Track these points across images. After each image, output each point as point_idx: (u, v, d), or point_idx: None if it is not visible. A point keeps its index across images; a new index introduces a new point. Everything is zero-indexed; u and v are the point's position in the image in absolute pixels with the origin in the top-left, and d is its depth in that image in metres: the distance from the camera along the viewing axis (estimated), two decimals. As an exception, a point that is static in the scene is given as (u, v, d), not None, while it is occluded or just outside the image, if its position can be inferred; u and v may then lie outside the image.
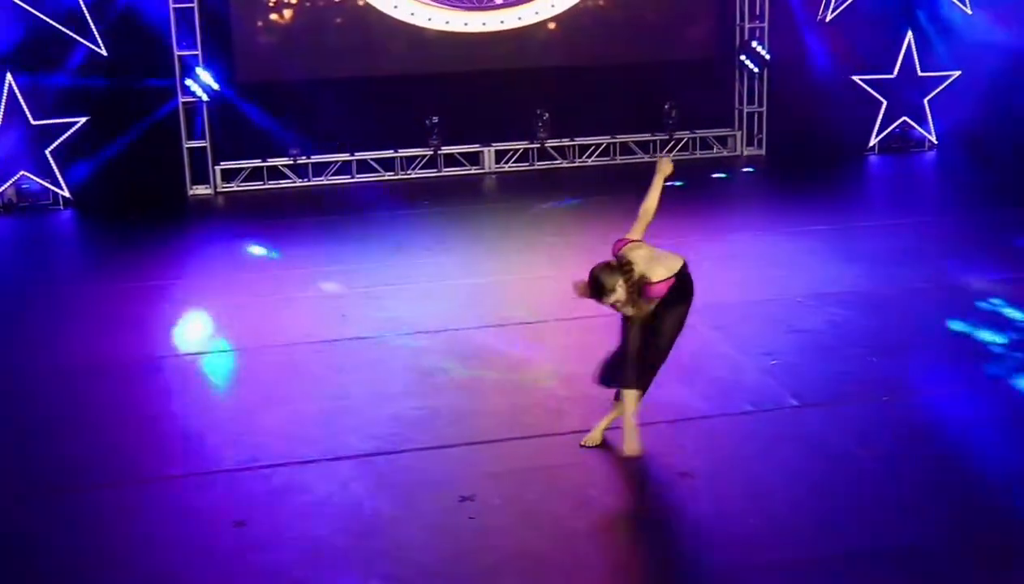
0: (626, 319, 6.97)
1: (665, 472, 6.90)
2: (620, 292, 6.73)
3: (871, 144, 16.42)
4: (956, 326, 9.26)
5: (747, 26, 16.10)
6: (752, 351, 8.80)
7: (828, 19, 15.96)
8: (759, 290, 10.32)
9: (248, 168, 15.04)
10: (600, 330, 9.26)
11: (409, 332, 9.39)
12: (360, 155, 15.25)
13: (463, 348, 9.02)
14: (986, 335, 9.03)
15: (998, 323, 9.30)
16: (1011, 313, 9.52)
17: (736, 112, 16.59)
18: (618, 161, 16.14)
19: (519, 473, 6.88)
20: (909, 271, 10.77)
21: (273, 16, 14.92)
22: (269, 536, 6.25)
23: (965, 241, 11.85)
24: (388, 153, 15.37)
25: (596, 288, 6.80)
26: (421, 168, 15.48)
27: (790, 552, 6.01)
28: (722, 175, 15.58)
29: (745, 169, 15.93)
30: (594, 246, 11.70)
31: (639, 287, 6.72)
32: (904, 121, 16.45)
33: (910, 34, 16.15)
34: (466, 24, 15.12)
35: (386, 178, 15.36)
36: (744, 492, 6.63)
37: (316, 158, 15.13)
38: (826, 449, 7.15)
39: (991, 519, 6.32)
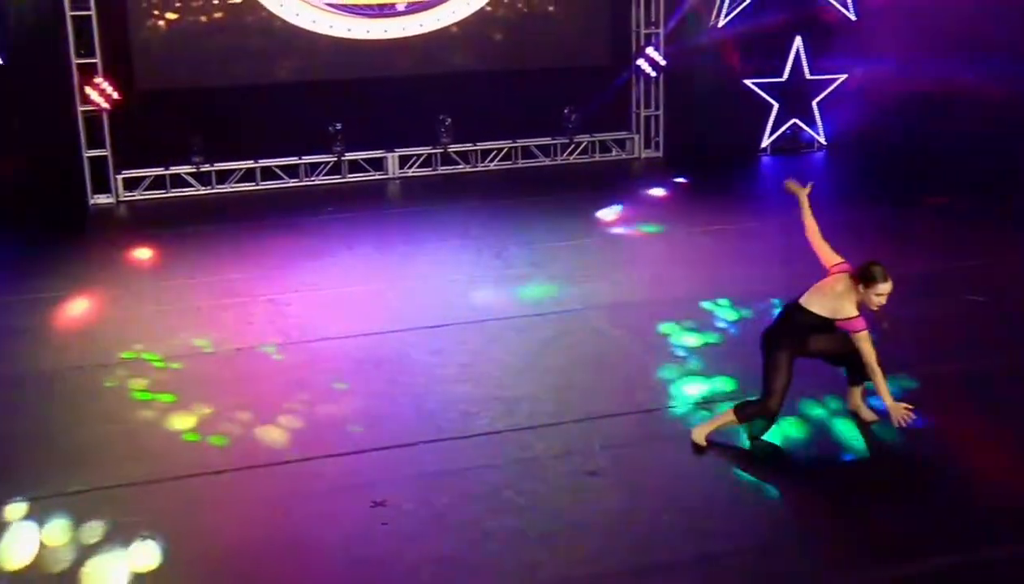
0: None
1: (575, 472, 6.84)
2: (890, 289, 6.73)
3: (764, 145, 16.64)
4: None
5: (643, 32, 16.19)
6: (659, 349, 8.81)
7: (720, 25, 16.13)
8: (663, 289, 10.35)
9: (150, 176, 14.63)
10: (507, 332, 9.30)
11: (318, 338, 9.22)
12: (264, 162, 14.97)
13: (373, 352, 8.89)
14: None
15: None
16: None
17: (634, 116, 16.67)
18: (520, 165, 16.11)
19: (432, 476, 6.80)
20: (811, 269, 10.87)
21: (174, 23, 14.54)
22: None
23: (858, 237, 12.03)
24: (292, 160, 15.11)
25: (877, 275, 6.69)
26: (325, 174, 15.25)
27: (702, 547, 6.01)
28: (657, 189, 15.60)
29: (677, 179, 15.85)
30: (498, 249, 11.78)
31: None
32: (795, 123, 16.69)
33: (798, 39, 16.40)
34: (368, 31, 14.95)
35: (290, 185, 15.09)
36: (656, 490, 6.63)
37: (220, 165, 14.79)
38: (735, 443, 7.17)
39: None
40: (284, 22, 14.60)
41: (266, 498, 6.61)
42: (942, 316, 9.49)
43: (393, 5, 15.00)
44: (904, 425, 6.68)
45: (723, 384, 8.04)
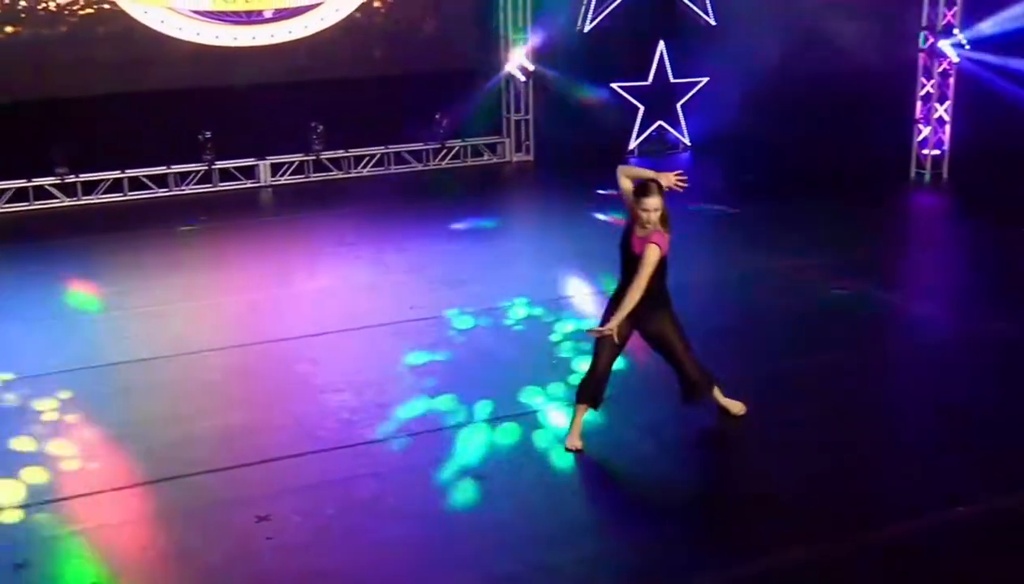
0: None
1: (460, 477, 6.79)
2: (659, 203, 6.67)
3: (631, 147, 16.82)
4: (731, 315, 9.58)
5: (511, 37, 16.21)
6: (536, 350, 8.83)
7: (587, 29, 16.26)
8: (538, 290, 10.36)
9: (12, 188, 14.02)
10: (387, 338, 9.19)
11: (195, 350, 8.98)
12: (132, 172, 14.49)
13: (251, 363, 8.71)
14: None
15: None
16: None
17: (504, 120, 16.68)
18: (393, 170, 15.96)
19: (315, 487, 6.69)
20: (681, 265, 11.00)
21: (35, 31, 13.95)
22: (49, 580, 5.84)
23: (724, 238, 12.27)
24: (161, 169, 14.67)
25: (651, 189, 6.67)
26: (195, 183, 14.85)
27: (588, 548, 6.03)
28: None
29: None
30: (375, 255, 11.65)
31: (667, 216, 6.74)
32: (660, 125, 16.92)
33: (662, 44, 16.63)
34: (235, 38, 14.60)
35: (160, 195, 14.65)
36: (540, 492, 6.62)
37: (85, 176, 14.25)
38: (613, 441, 7.22)
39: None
40: (148, 29, 14.17)
41: (146, 516, 6.42)
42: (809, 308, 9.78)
43: (260, 12, 14.68)
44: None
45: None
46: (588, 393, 7.00)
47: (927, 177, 14.66)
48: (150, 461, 7.01)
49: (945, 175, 14.64)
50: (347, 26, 15.25)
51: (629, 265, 6.82)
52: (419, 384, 8.19)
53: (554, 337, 9.11)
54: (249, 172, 15.20)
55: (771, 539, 6.06)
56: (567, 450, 7.00)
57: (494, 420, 7.52)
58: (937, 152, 14.65)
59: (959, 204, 14.09)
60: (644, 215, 6.65)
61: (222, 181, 14.98)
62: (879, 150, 15.16)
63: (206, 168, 14.80)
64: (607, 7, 16.24)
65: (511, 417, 7.57)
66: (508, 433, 7.35)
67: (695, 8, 16.71)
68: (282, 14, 14.80)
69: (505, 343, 9.07)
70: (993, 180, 13.97)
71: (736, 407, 7.42)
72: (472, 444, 7.18)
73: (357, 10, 15.27)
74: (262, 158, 15.20)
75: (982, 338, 9.06)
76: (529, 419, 7.54)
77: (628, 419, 7.53)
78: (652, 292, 6.77)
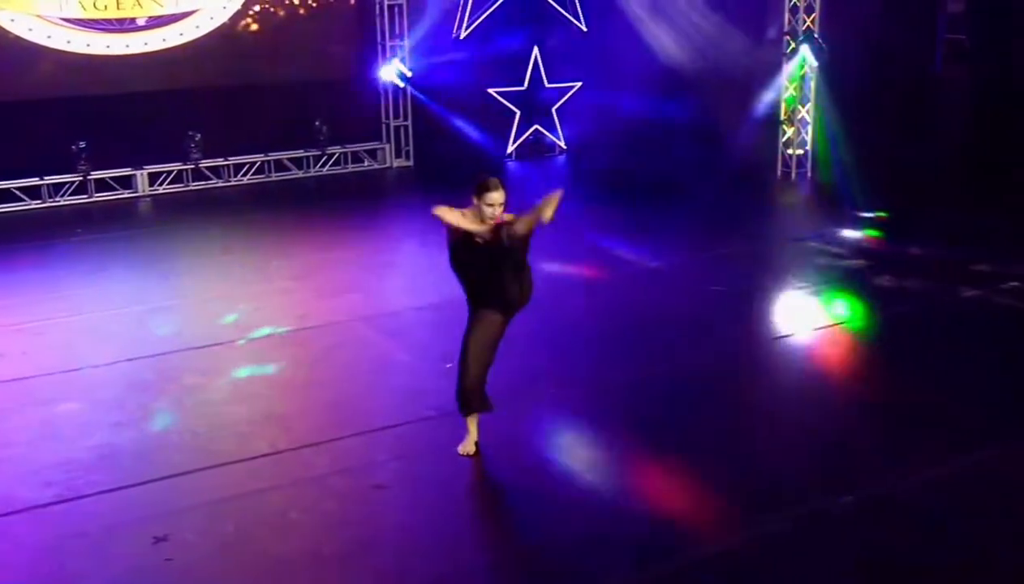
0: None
1: (361, 487, 6.53)
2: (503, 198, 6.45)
3: (509, 151, 16.71)
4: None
5: (388, 44, 15.94)
6: (428, 356, 8.58)
7: (463, 36, 16.07)
8: (424, 297, 10.13)
9: None
10: (276, 348, 8.84)
11: (79, 366, 8.45)
12: (3, 184, 13.74)
13: (139, 378, 8.23)
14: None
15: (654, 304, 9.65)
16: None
17: (383, 126, 16.38)
18: (274, 178, 15.52)
19: (213, 504, 6.31)
20: (560, 267, 10.95)
21: None
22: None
23: (602, 235, 12.20)
24: (33, 181, 13.94)
25: (492, 184, 6.47)
26: (70, 194, 14.15)
27: (495, 553, 5.84)
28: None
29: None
30: (260, 263, 11.25)
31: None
32: (536, 129, 16.86)
33: (536, 49, 16.56)
34: (108, 46, 13.98)
35: (33, 207, 13.92)
36: (441, 498, 6.40)
37: (-49, 189, 13.49)
38: (511, 446, 7.04)
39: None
40: (17, 38, 13.45)
41: (32, 544, 5.94)
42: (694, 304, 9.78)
43: (133, 20, 14.07)
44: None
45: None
46: (471, 404, 6.73)
47: (793, 175, 14.91)
48: (33, 485, 6.53)
49: (809, 173, 14.92)
50: (224, 33, 14.77)
51: (495, 260, 6.54)
52: (315, 394, 7.88)
53: (444, 341, 8.87)
54: (126, 182, 14.57)
55: (678, 536, 5.95)
56: (461, 455, 6.81)
57: (390, 427, 7.27)
58: (800, 151, 14.92)
59: (821, 200, 14.34)
60: (489, 210, 6.42)
61: (98, 192, 14.33)
62: (748, 150, 15.35)
63: (81, 179, 14.13)
64: (482, 14, 16.10)
65: (407, 424, 7.33)
66: (405, 440, 7.11)
67: (567, 15, 16.69)
68: (156, 22, 14.24)
69: (398, 349, 8.81)
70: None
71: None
72: (370, 452, 6.93)
73: (234, 18, 14.79)
74: (139, 168, 14.59)
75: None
76: (425, 425, 7.31)
77: (518, 421, 7.37)
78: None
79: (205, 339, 9.00)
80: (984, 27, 15.05)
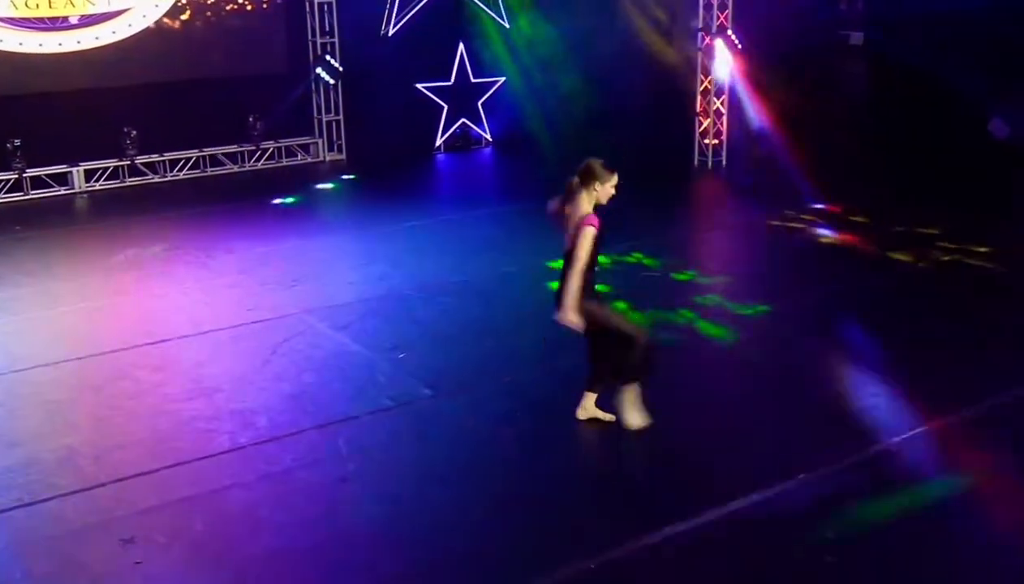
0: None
1: (326, 479, 6.23)
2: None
3: (437, 144, 16.40)
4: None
5: (319, 41, 15.47)
6: (379, 347, 8.28)
7: (391, 33, 15.69)
8: (370, 288, 9.82)
9: None
10: (230, 342, 8.45)
11: (26, 367, 7.95)
12: (-65, 183, 13.03)
13: (90, 377, 7.78)
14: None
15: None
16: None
17: (315, 121, 15.92)
18: (209, 173, 14.96)
19: (180, 503, 5.95)
20: (499, 257, 10.73)
21: None
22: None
23: (537, 228, 11.97)
24: (-33, 179, 13.24)
25: (604, 168, 6.31)
26: (6, 192, 13.44)
27: (465, 544, 5.59)
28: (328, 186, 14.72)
29: (345, 176, 15.19)
30: (204, 258, 10.78)
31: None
32: (463, 122, 16.57)
33: (462, 46, 16.26)
34: (41, 45, 13.29)
35: (-33, 205, 13.20)
36: (408, 490, 6.13)
37: None
38: (471, 435, 6.80)
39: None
40: (-53, 37, 12.74)
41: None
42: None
43: (66, 18, 13.41)
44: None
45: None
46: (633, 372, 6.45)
47: (709, 164, 14.88)
48: (-8, 488, 6.12)
49: (724, 161, 14.91)
50: (157, 31, 14.17)
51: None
52: (272, 388, 7.51)
53: (394, 332, 8.60)
54: (62, 179, 13.91)
55: (629, 524, 5.70)
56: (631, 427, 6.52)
57: (350, 419, 6.97)
58: (716, 141, 14.89)
59: (734, 188, 14.34)
60: (612, 192, 6.32)
61: (34, 189, 13.65)
62: (667, 140, 15.30)
63: (16, 176, 13.43)
64: (409, 12, 15.74)
65: (367, 414, 7.04)
66: (365, 431, 6.82)
67: (490, 12, 16.42)
68: (89, 20, 13.60)
69: (350, 340, 8.48)
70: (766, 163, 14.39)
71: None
72: (333, 445, 6.62)
73: (167, 15, 14.20)
74: (75, 165, 13.93)
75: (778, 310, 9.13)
76: (384, 416, 7.03)
77: (479, 409, 7.14)
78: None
79: (155, 335, 8.55)
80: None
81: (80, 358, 8.12)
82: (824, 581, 5.21)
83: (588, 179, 6.26)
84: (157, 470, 6.31)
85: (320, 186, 14.51)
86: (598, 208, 6.33)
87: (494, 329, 8.68)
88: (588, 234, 6.16)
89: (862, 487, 6.03)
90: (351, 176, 15.13)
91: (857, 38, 15.49)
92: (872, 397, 7.18)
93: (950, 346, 8.13)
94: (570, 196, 6.33)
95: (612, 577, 5.24)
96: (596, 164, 6.29)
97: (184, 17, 14.52)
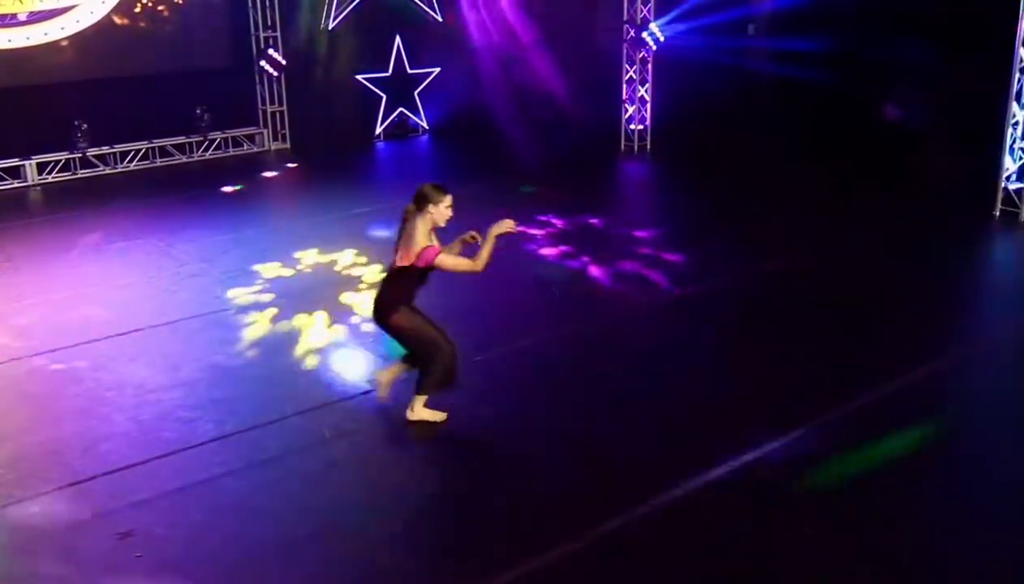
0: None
1: (316, 465, 5.97)
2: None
3: (377, 133, 16.01)
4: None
5: (262, 35, 14.93)
6: (357, 330, 7.99)
7: (331, 27, 15.23)
8: (338, 268, 9.51)
9: None
10: (202, 330, 8.10)
11: (0, 361, 7.49)
12: None
13: (66, 369, 7.36)
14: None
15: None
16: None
17: (260, 112, 15.39)
18: (159, 164, 14.34)
19: (175, 494, 5.65)
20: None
21: None
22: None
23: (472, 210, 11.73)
24: (-81, 174, 12.47)
25: (437, 191, 6.01)
26: (-42, 186, 12.74)
27: (460, 528, 5.39)
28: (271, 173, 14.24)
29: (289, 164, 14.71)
30: (165, 248, 10.33)
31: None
32: (401, 112, 16.19)
33: (398, 38, 15.87)
34: (-11, 41, 12.56)
35: (-80, 200, 12.43)
36: (396, 473, 5.89)
37: None
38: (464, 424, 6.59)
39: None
40: None
41: (-5, 549, 5.19)
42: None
43: (14, 15, 12.65)
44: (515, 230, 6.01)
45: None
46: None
47: (635, 148, 14.81)
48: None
49: (648, 146, 14.85)
50: (104, 27, 13.48)
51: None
52: (251, 374, 7.22)
53: (356, 319, 8.32)
54: (15, 172, 13.20)
55: (556, 529, 5.26)
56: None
57: (333, 403, 6.72)
58: (641, 127, 14.81)
59: (659, 169, 14.29)
60: (448, 212, 6.04)
61: (-14, 183, 12.95)
62: (595, 126, 15.16)
63: (-32, 171, 12.73)
64: (348, 6, 15.29)
65: (349, 398, 6.79)
66: (349, 415, 6.57)
67: (424, 6, 16.04)
68: (36, 17, 12.84)
69: (323, 324, 8.18)
70: (684, 148, 14.38)
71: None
72: (318, 430, 6.36)
73: (113, 12, 13.52)
74: (27, 158, 13.23)
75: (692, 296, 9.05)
76: (364, 399, 6.78)
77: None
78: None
79: (127, 325, 8.14)
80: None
81: (53, 350, 7.68)
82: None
83: (422, 203, 5.98)
84: (146, 461, 5.99)
85: (265, 173, 14.05)
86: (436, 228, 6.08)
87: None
88: (442, 262, 5.97)
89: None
90: (294, 164, 14.69)
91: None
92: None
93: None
94: (408, 220, 6.04)
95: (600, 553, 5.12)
96: (428, 188, 6.01)
97: (131, 13, 13.83)
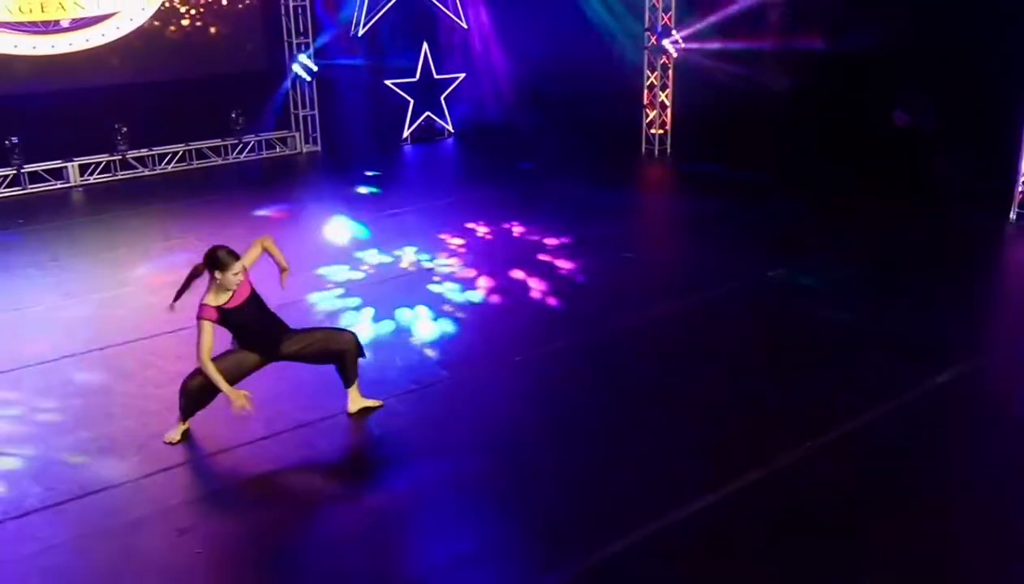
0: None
1: (371, 464, 5.90)
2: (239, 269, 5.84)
3: (405, 136, 15.95)
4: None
5: (295, 41, 14.89)
6: (402, 329, 7.92)
7: (360, 34, 15.17)
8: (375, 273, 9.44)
9: None
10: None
11: (53, 358, 7.45)
12: (-64, 179, 12.25)
13: (119, 367, 7.32)
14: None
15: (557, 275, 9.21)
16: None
17: (292, 116, 15.35)
18: (195, 166, 14.33)
19: (228, 491, 5.61)
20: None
21: None
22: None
23: (493, 209, 11.67)
24: (-33, 175, 12.48)
25: (225, 257, 5.84)
26: (5, 187, 12.71)
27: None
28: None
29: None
30: (204, 248, 10.22)
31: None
32: (428, 116, 16.13)
33: (425, 45, 15.80)
34: (34, 47, 12.52)
35: (-33, 200, 12.45)
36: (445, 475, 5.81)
37: None
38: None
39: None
40: (-57, 40, 11.91)
41: (58, 544, 5.11)
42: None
43: (57, 22, 12.64)
44: (241, 413, 5.77)
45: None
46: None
47: (655, 152, 14.71)
48: (44, 482, 5.67)
49: (668, 149, 14.75)
50: (144, 33, 13.45)
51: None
52: (293, 374, 7.05)
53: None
54: (58, 174, 13.19)
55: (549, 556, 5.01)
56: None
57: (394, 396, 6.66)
58: (661, 131, 14.71)
59: (679, 173, 14.17)
60: (236, 278, 5.88)
61: (32, 184, 12.93)
62: (617, 130, 15.06)
63: (15, 172, 12.71)
64: (377, 13, 15.23)
65: (399, 395, 6.72)
66: (393, 413, 6.51)
67: (451, 14, 15.97)
68: (79, 24, 12.83)
69: (367, 324, 8.11)
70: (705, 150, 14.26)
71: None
72: (368, 429, 6.30)
73: (152, 19, 13.49)
74: (69, 160, 13.23)
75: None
76: (436, 389, 6.72)
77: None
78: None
79: (175, 324, 7.94)
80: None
81: (102, 348, 7.65)
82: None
83: (212, 266, 5.84)
84: (200, 458, 5.95)
85: (298, 175, 13.98)
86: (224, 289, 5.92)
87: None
88: (202, 328, 5.86)
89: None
90: (325, 165, 14.63)
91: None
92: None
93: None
94: (192, 279, 5.97)
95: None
96: (220, 251, 5.86)
97: (169, 20, 13.81)
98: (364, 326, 7.98)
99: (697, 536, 5.06)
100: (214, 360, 5.95)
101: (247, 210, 11.86)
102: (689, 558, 4.89)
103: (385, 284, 9.07)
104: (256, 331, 6.04)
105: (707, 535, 5.06)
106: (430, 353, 7.45)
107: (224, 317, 5.91)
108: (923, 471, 5.67)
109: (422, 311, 8.33)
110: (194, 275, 5.95)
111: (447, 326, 8.01)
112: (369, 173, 13.72)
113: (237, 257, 5.87)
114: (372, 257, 9.91)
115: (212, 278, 5.85)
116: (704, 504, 5.28)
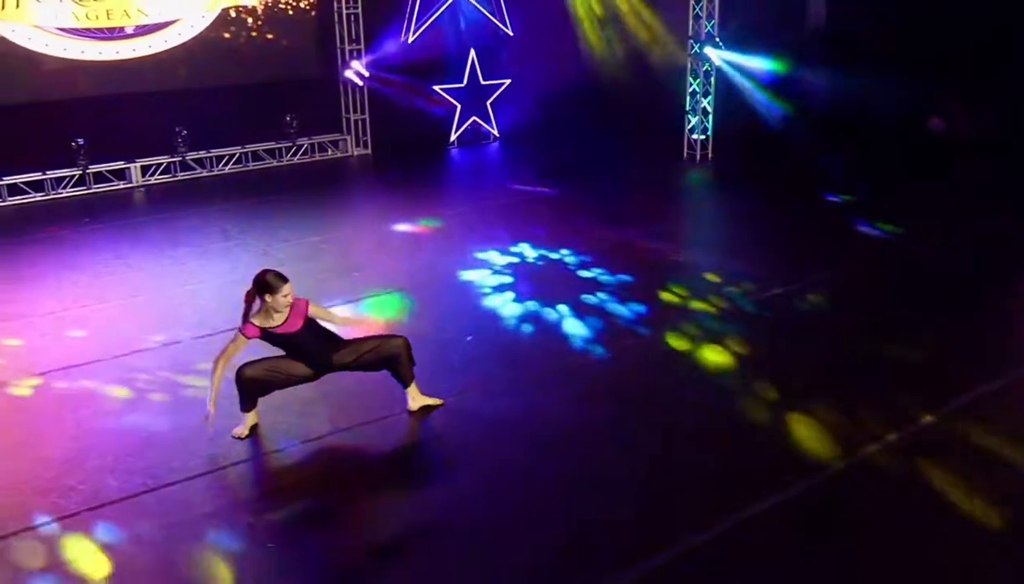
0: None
1: (428, 461, 5.83)
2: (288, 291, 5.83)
3: (452, 140, 15.93)
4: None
5: (347, 48, 14.91)
6: (450, 328, 7.87)
7: (411, 40, 15.17)
8: (425, 274, 9.40)
9: None
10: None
11: (124, 353, 7.48)
12: (8, 179, 12.38)
13: (190, 362, 7.30)
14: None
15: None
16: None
17: (344, 119, 15.38)
18: (251, 167, 14.41)
19: (298, 486, 5.56)
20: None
21: None
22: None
23: (538, 211, 11.62)
24: (36, 175, 12.60)
25: (275, 281, 5.84)
26: (71, 187, 12.85)
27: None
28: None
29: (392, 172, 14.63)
30: (263, 248, 10.30)
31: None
32: (474, 120, 16.10)
33: (473, 51, 15.77)
34: (100, 53, 12.65)
35: (37, 199, 12.59)
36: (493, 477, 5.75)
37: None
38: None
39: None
40: (15, 46, 12.03)
41: (137, 536, 5.10)
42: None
43: (122, 29, 12.75)
44: (205, 422, 5.85)
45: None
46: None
47: (696, 157, 14.56)
48: (119, 475, 5.68)
49: (710, 154, 14.59)
50: (203, 40, 13.55)
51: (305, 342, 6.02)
52: (354, 373, 7.10)
53: (461, 307, 8.22)
54: (121, 174, 13.32)
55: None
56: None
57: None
58: (703, 137, 14.56)
59: (721, 178, 14.00)
60: (284, 300, 5.85)
61: (96, 184, 13.06)
62: (659, 136, 14.94)
63: (81, 172, 12.84)
64: (426, 21, 15.22)
65: (457, 394, 6.66)
66: (453, 414, 6.45)
67: (497, 21, 15.92)
68: (142, 30, 12.95)
69: (424, 322, 8.06)
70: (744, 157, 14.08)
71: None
72: (427, 428, 6.25)
73: (212, 26, 13.57)
74: (132, 161, 13.35)
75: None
76: (477, 394, 6.66)
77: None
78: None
79: (236, 320, 8.05)
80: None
81: (167, 345, 7.67)
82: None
83: (261, 290, 5.83)
84: (270, 452, 5.93)
85: (348, 177, 13.97)
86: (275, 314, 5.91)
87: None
88: (236, 338, 5.96)
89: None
90: (375, 168, 14.63)
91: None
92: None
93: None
94: (249, 304, 5.96)
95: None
96: (269, 275, 5.86)
97: (228, 28, 13.90)
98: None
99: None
100: (268, 358, 6.01)
101: (310, 212, 11.86)
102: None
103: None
104: (307, 350, 6.04)
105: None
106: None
107: (269, 336, 5.94)
108: None
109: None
110: (250, 300, 5.94)
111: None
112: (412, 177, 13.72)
113: (286, 280, 5.86)
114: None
115: (263, 301, 5.83)
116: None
